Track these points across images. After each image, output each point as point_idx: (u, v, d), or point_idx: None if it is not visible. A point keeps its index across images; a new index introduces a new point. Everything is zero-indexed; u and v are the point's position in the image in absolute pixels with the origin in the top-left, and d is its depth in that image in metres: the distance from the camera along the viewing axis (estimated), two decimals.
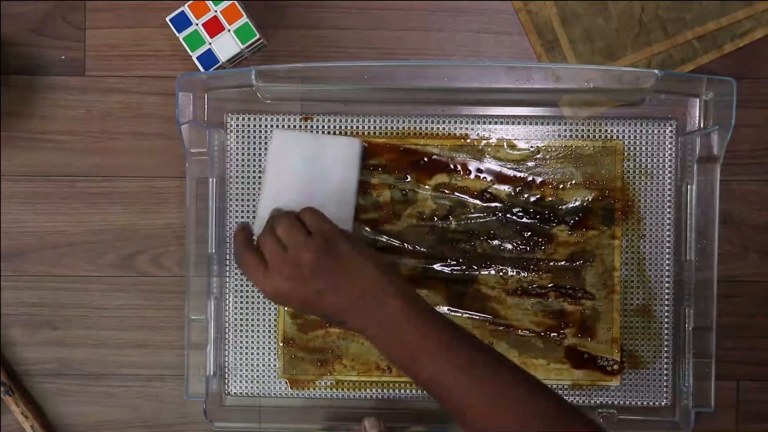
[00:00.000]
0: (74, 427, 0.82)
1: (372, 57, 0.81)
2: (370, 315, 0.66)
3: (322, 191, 0.76)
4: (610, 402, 0.80)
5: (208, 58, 0.78)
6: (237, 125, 0.80)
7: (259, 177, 0.80)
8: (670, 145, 0.79)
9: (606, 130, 0.80)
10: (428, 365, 0.64)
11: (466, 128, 0.80)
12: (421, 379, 0.65)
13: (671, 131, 0.79)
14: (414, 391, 0.80)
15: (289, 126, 0.80)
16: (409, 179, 0.80)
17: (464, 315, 0.80)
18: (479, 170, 0.80)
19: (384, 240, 0.80)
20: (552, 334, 0.79)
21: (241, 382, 0.81)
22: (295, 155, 0.77)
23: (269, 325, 0.80)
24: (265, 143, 0.80)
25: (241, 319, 0.81)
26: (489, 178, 0.79)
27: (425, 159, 0.80)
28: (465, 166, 0.80)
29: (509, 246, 0.79)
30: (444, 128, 0.80)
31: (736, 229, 0.80)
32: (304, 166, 0.76)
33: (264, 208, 0.76)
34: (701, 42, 0.80)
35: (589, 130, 0.80)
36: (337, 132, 0.80)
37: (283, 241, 0.68)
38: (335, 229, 0.70)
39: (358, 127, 0.80)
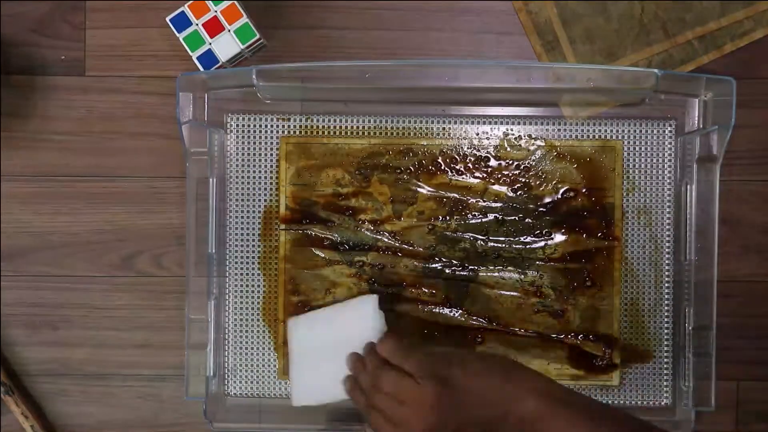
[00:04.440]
0: (74, 427, 0.82)
1: (372, 57, 0.81)
2: (510, 418, 0.63)
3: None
4: (610, 401, 0.80)
5: (208, 58, 0.78)
6: (237, 125, 0.80)
7: (260, 177, 0.80)
8: (669, 145, 0.79)
9: (606, 130, 0.80)
10: None
11: (467, 128, 0.80)
12: None
13: (671, 131, 0.79)
14: None
15: (290, 127, 0.80)
16: (409, 179, 0.80)
17: (463, 315, 0.80)
18: (479, 170, 0.80)
19: (384, 240, 0.80)
20: (551, 334, 0.79)
21: (241, 382, 0.81)
22: (314, 333, 0.75)
23: (269, 325, 0.80)
24: (266, 143, 0.80)
25: (241, 319, 0.81)
26: (489, 178, 0.80)
27: (425, 159, 0.80)
28: (465, 166, 0.80)
29: (509, 246, 0.79)
30: (444, 128, 0.80)
31: (736, 229, 0.80)
32: (326, 339, 0.74)
33: (297, 390, 0.75)
34: (701, 42, 0.80)
35: (589, 130, 0.80)
36: (338, 131, 0.80)
37: (397, 398, 0.65)
38: (438, 361, 0.66)
39: (358, 127, 0.80)
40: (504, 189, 0.79)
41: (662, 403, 0.80)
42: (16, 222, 0.82)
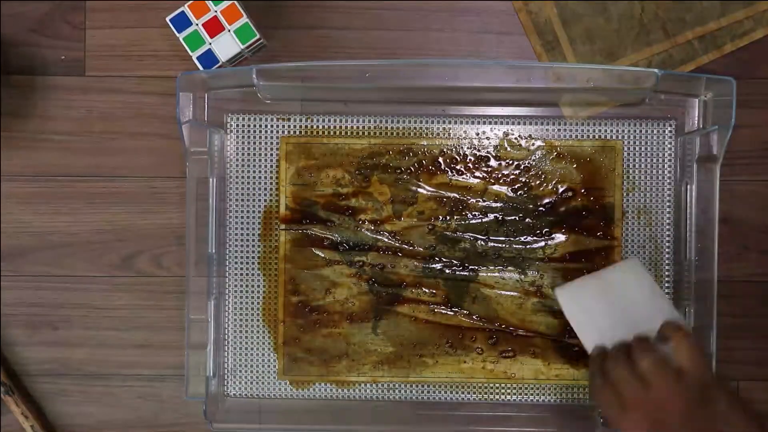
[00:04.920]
0: (74, 427, 0.82)
1: (372, 57, 0.81)
2: None
3: (632, 319, 0.70)
4: None
5: (208, 58, 0.78)
6: (237, 125, 0.80)
7: (260, 177, 0.80)
8: (669, 145, 0.79)
9: (606, 130, 0.80)
10: None
11: (466, 128, 0.80)
12: None
13: (671, 131, 0.79)
14: (414, 392, 0.80)
15: (290, 127, 0.80)
16: (409, 179, 0.80)
17: (463, 315, 0.80)
18: (479, 170, 0.80)
19: (384, 240, 0.80)
20: (551, 334, 0.79)
21: (240, 382, 0.81)
22: (588, 301, 0.72)
23: (269, 326, 0.80)
24: (266, 143, 0.80)
25: (241, 319, 0.81)
26: (489, 178, 0.80)
27: (425, 159, 0.80)
28: (465, 166, 0.80)
29: (509, 246, 0.79)
30: (444, 128, 0.80)
31: (736, 229, 0.80)
32: (601, 306, 0.71)
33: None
34: (701, 42, 0.80)
35: (589, 130, 0.80)
36: (338, 131, 0.80)
37: (647, 378, 0.61)
38: (711, 373, 0.61)
39: (358, 127, 0.80)
40: (504, 189, 0.79)
41: None
42: (16, 222, 0.82)
